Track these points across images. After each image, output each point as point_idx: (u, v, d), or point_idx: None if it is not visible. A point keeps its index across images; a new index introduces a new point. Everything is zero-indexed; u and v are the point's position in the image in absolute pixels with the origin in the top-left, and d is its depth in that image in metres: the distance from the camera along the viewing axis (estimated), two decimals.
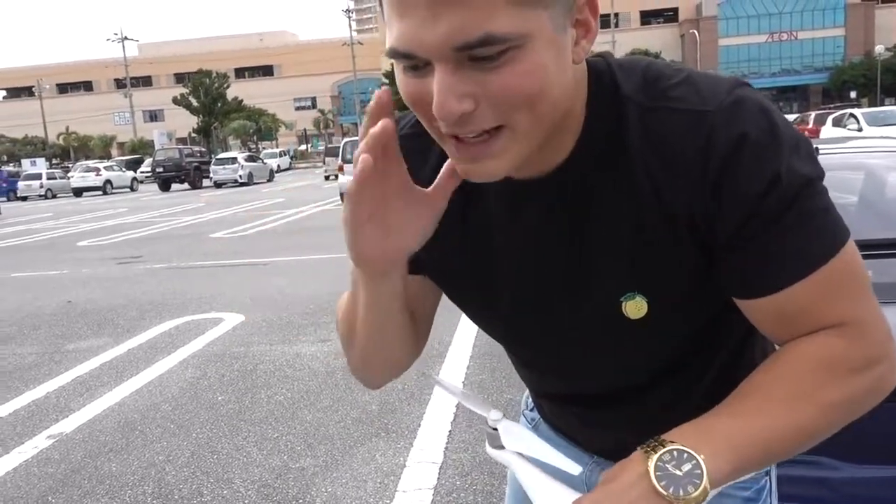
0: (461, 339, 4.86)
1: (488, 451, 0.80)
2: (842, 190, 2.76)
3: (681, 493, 0.62)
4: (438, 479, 3.06)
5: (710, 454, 0.64)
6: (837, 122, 17.36)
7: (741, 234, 0.69)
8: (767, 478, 0.96)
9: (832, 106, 28.49)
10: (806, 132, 18.71)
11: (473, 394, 0.77)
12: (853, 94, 51.06)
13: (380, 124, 0.63)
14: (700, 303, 0.78)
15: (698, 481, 0.63)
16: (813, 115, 21.06)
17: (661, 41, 63.32)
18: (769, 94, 64.48)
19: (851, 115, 16.89)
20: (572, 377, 0.91)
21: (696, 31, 60.71)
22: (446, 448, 3.34)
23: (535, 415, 1.09)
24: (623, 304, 0.77)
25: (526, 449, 0.76)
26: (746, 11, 62.77)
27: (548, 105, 0.65)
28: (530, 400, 1.11)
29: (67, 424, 4.01)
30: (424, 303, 0.90)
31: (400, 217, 0.70)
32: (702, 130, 0.68)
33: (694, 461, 0.64)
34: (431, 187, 0.71)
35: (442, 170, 0.71)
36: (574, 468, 0.75)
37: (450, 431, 3.52)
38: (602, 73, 0.74)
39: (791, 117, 31.58)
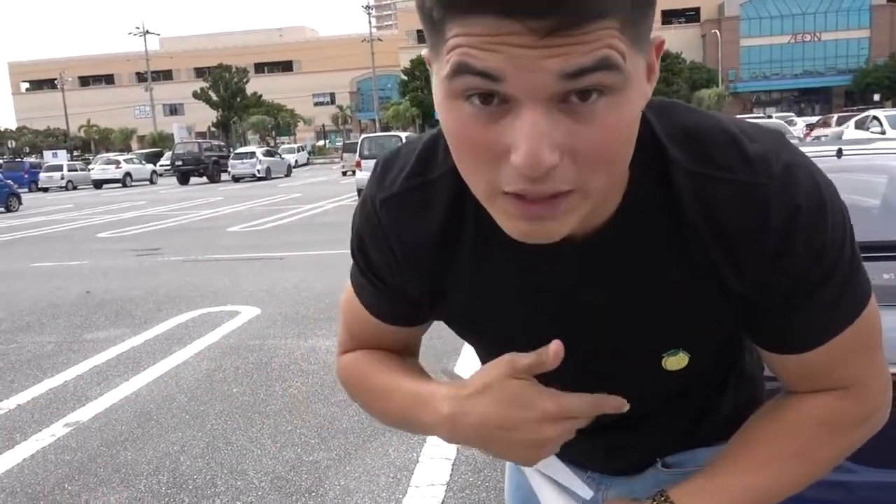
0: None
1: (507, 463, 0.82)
2: (865, 192, 2.73)
3: None
4: (451, 474, 3.06)
5: None
6: (860, 125, 17.16)
7: (789, 301, 0.69)
8: None
9: (855, 108, 28.12)
10: (828, 135, 18.52)
11: None
12: (876, 97, 50.45)
13: None
14: (734, 349, 0.83)
15: None
16: (835, 117, 20.82)
17: (682, 41, 62.81)
18: (791, 96, 63.92)
19: (874, 117, 16.67)
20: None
21: (717, 32, 60.19)
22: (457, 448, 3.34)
23: None
24: (665, 359, 0.77)
25: (542, 466, 0.78)
26: (769, 12, 62.13)
27: (625, 165, 0.61)
28: None
29: (84, 413, 4.06)
30: (421, 337, 0.93)
31: None
32: (756, 204, 0.65)
33: None
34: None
35: (552, 356, 0.67)
36: (586, 492, 0.78)
37: None
38: (642, 128, 0.66)
39: (813, 119, 31.26)
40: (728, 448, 0.77)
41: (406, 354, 0.92)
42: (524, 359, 0.69)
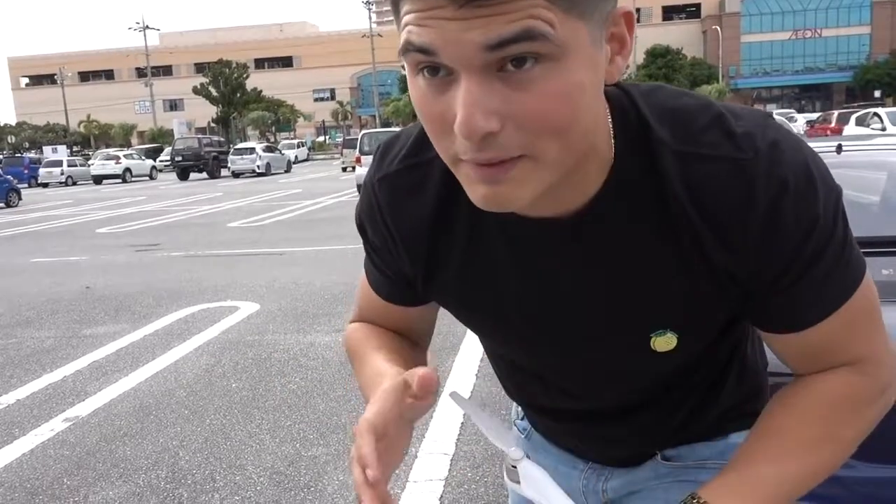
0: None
1: (506, 481, 0.80)
2: (865, 188, 2.72)
3: None
4: (450, 470, 3.07)
5: None
6: (861, 121, 17.16)
7: (781, 279, 0.69)
8: None
9: (856, 105, 28.09)
10: (828, 131, 18.52)
11: (496, 424, 0.76)
12: (877, 94, 50.37)
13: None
14: (726, 331, 0.81)
15: None
16: (836, 113, 20.79)
17: (682, 37, 62.75)
18: (791, 92, 63.84)
19: (875, 114, 16.68)
20: (583, 398, 0.90)
21: (718, 28, 60.10)
22: (458, 440, 3.35)
23: (527, 424, 1.08)
24: (653, 339, 0.76)
25: (542, 493, 0.76)
26: (770, 8, 62.02)
27: (579, 133, 0.60)
28: (520, 409, 1.09)
29: (83, 408, 4.06)
30: (428, 320, 0.93)
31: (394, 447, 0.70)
32: (742, 181, 0.65)
33: None
34: (409, 407, 0.68)
35: (417, 383, 0.67)
36: None
37: (462, 423, 3.52)
38: (625, 107, 0.69)
39: (813, 116, 31.22)
40: (750, 441, 0.76)
41: (409, 337, 0.93)
42: (397, 380, 0.70)
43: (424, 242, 0.79)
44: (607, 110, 0.68)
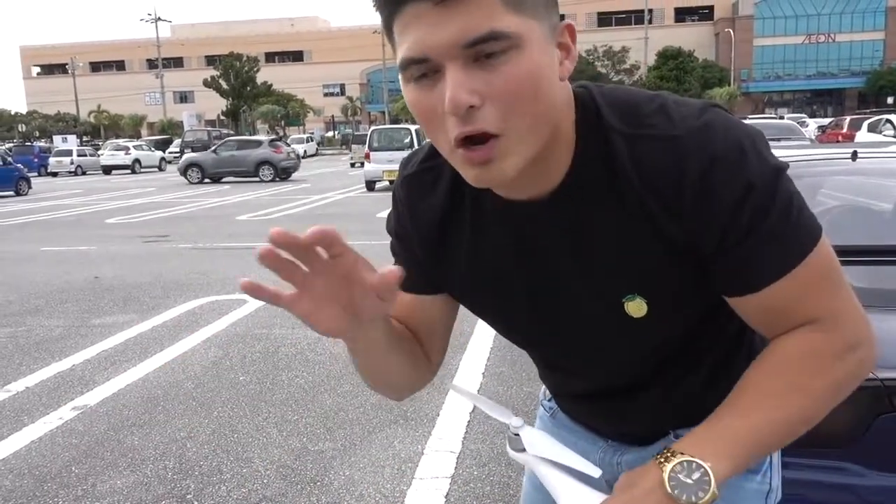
0: (482, 330, 4.86)
1: (510, 453, 0.85)
2: (880, 196, 2.71)
3: (693, 498, 0.72)
4: (456, 468, 3.07)
5: (716, 460, 0.74)
6: (873, 128, 17.05)
7: (725, 244, 0.76)
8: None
9: (868, 111, 27.92)
10: (840, 137, 18.42)
11: (494, 404, 0.83)
12: (890, 100, 50.08)
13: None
14: (696, 300, 0.86)
15: (707, 487, 0.72)
16: (848, 119, 20.68)
17: (694, 39, 62.50)
18: (803, 97, 63.51)
19: (888, 120, 16.56)
20: (589, 375, 1.00)
21: (731, 30, 59.85)
22: (465, 438, 3.35)
23: (553, 405, 1.17)
24: (625, 304, 0.85)
25: (548, 453, 0.81)
26: (784, 12, 61.70)
27: (542, 105, 0.73)
28: (548, 392, 1.18)
29: (92, 397, 4.08)
30: (441, 321, 0.99)
31: (352, 297, 0.69)
32: (675, 154, 0.75)
33: (702, 469, 0.73)
34: (374, 280, 0.67)
35: (381, 275, 0.67)
36: (594, 471, 0.81)
37: (469, 421, 3.53)
38: (586, 101, 0.81)
39: (825, 121, 31.03)
40: (726, 399, 0.81)
41: (418, 332, 0.98)
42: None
43: (436, 232, 0.92)
44: (573, 104, 0.81)
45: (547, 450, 0.81)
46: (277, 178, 23.26)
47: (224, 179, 23.80)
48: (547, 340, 0.97)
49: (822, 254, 0.78)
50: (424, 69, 0.71)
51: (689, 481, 0.73)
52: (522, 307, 0.92)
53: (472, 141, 0.72)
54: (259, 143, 24.50)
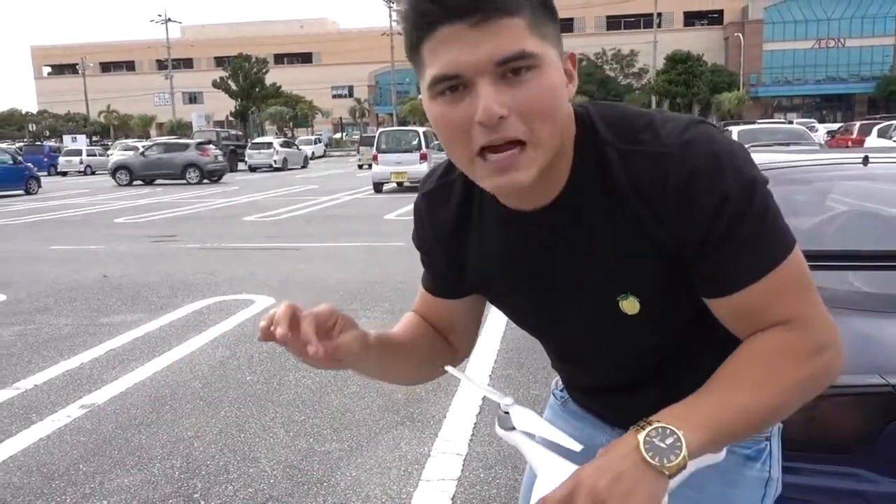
0: (489, 334, 4.86)
1: (497, 431, 0.90)
2: (891, 202, 2.70)
3: (665, 461, 0.77)
4: (462, 470, 3.07)
5: (689, 429, 0.79)
6: (883, 133, 16.98)
7: (703, 249, 0.84)
8: (768, 443, 1.08)
9: (878, 116, 27.79)
10: (849, 142, 18.33)
11: (486, 385, 0.95)
12: None
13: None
14: (685, 299, 0.93)
15: (679, 451, 0.77)
16: (857, 124, 20.59)
17: (703, 43, 62.36)
18: (813, 102, 63.24)
19: None
20: (594, 371, 1.11)
21: (740, 35, 59.68)
22: (471, 440, 3.35)
23: (565, 394, 1.26)
24: (620, 302, 0.93)
25: (533, 428, 0.87)
26: (794, 16, 61.53)
27: (560, 118, 0.83)
28: (560, 382, 1.28)
29: (100, 396, 4.10)
30: (462, 319, 1.13)
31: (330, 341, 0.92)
32: (661, 168, 0.84)
33: (675, 436, 0.78)
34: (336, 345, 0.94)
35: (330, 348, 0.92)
36: (576, 446, 0.86)
37: (475, 424, 3.53)
38: (584, 119, 0.90)
39: (834, 126, 30.90)
40: (704, 384, 0.87)
41: (446, 331, 1.14)
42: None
43: (452, 239, 1.03)
44: (573, 122, 0.89)
45: (533, 426, 0.87)
46: (207, 181, 24.16)
47: (156, 182, 24.56)
48: (554, 333, 1.08)
49: (794, 263, 0.85)
50: (454, 84, 0.79)
51: (662, 445, 0.78)
52: (530, 304, 1.03)
53: (495, 150, 0.81)
54: (186, 147, 25.42)
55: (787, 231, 0.86)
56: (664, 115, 0.90)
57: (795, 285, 0.86)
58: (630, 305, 0.93)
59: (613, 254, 0.90)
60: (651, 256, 0.88)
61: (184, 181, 23.98)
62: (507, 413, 0.88)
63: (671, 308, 0.95)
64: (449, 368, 0.99)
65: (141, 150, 26.56)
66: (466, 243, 1.02)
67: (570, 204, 0.91)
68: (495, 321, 4.95)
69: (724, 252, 0.84)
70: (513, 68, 0.78)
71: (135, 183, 23.88)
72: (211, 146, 26.49)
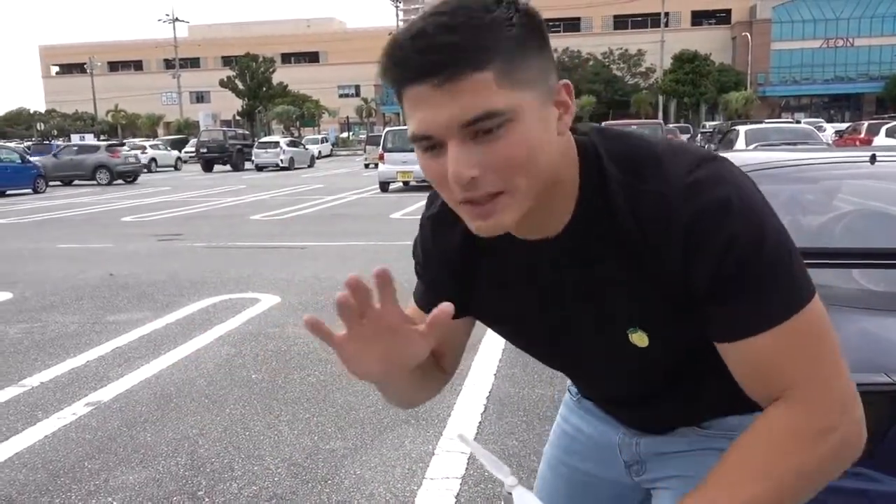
0: (493, 333, 4.84)
1: None
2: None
3: None
4: (467, 468, 3.06)
5: None
6: (892, 133, 16.89)
7: (710, 292, 0.81)
8: None
9: (886, 116, 27.65)
10: (858, 142, 18.25)
11: (495, 459, 0.90)
12: None
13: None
14: (692, 333, 0.89)
15: None
16: (866, 124, 20.48)
17: (711, 43, 62.13)
18: (821, 102, 62.95)
19: None
20: (605, 387, 1.12)
21: (748, 34, 59.45)
22: (476, 438, 3.34)
23: (580, 393, 1.27)
24: (629, 335, 0.92)
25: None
26: (802, 16, 61.25)
27: (538, 167, 0.79)
28: None
29: (105, 393, 4.11)
30: (457, 339, 1.10)
31: (391, 347, 0.80)
32: (665, 209, 0.81)
33: None
34: (424, 325, 0.79)
35: (430, 316, 0.78)
36: (512, 480, 0.86)
37: (480, 423, 3.52)
38: (588, 151, 0.88)
39: (842, 126, 30.75)
40: (711, 471, 0.84)
41: (447, 346, 1.09)
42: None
43: (458, 264, 1.01)
44: (574, 153, 0.87)
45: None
46: (121, 182, 24.50)
47: (73, 182, 24.90)
48: (562, 361, 1.08)
49: (809, 318, 0.80)
50: (430, 143, 0.79)
51: None
52: (537, 331, 1.01)
53: (473, 201, 0.80)
54: (96, 148, 25.86)
55: (806, 283, 0.81)
56: (674, 149, 0.86)
57: (811, 343, 0.81)
58: (639, 338, 0.91)
59: (620, 288, 0.89)
60: (656, 292, 0.86)
61: (94, 182, 24.46)
62: (510, 494, 0.87)
63: (681, 340, 0.92)
64: (459, 436, 1.00)
65: (53, 151, 27.09)
66: (472, 267, 1.01)
67: (575, 237, 0.89)
68: None
69: (728, 297, 0.80)
70: (482, 129, 0.76)
71: (50, 184, 23.52)
72: (123, 148, 27.10)
